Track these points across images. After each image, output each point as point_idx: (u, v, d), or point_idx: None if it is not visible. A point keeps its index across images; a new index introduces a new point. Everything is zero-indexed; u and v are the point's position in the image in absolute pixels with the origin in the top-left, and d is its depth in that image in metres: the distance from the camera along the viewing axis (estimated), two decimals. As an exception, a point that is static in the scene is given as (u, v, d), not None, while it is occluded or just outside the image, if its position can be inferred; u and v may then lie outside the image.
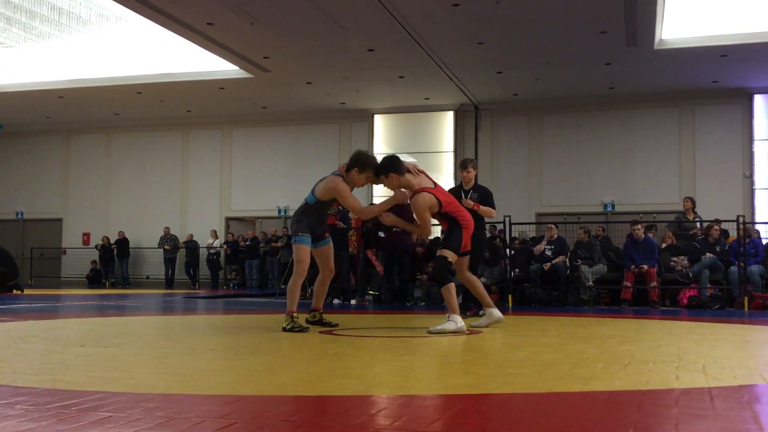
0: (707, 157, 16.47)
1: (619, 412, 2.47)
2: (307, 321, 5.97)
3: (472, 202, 7.06)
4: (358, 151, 5.81)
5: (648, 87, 16.07)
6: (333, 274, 6.10)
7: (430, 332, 5.39)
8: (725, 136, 16.40)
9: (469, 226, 5.75)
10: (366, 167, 5.66)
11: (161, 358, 3.97)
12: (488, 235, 10.76)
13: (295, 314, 5.54)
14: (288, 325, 5.49)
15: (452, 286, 5.61)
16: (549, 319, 7.59)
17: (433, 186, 5.77)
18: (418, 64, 14.42)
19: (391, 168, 5.62)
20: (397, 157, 5.78)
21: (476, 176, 7.55)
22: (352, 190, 5.82)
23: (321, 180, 5.82)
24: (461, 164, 7.44)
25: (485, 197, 7.30)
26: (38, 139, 21.53)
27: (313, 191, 5.75)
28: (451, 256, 5.63)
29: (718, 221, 11.33)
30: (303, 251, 5.62)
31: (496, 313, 6.05)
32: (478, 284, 6.11)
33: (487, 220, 7.88)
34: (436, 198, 5.62)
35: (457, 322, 5.46)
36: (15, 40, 15.77)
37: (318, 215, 5.79)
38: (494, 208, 7.35)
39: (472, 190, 7.32)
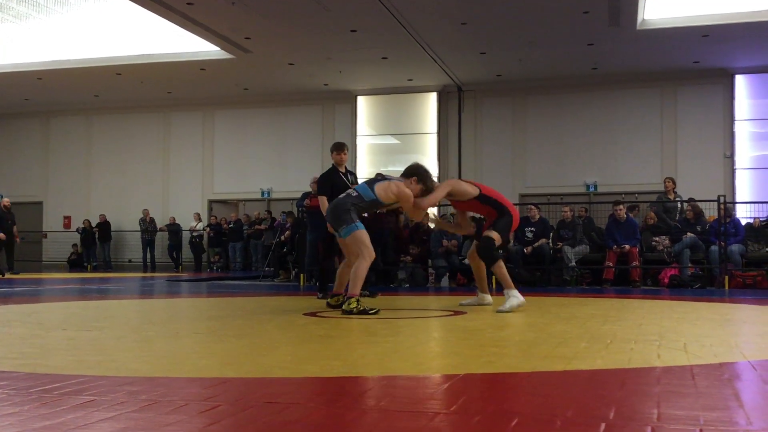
0: (689, 138, 16.58)
1: (601, 391, 2.49)
2: (328, 304, 6.05)
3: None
4: (419, 163, 6.03)
5: (630, 67, 16.11)
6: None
7: (500, 311, 5.59)
8: (706, 116, 16.50)
9: (516, 219, 6.12)
10: (425, 182, 5.87)
11: (144, 342, 3.95)
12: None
13: (359, 297, 5.59)
14: (354, 307, 5.47)
15: (502, 263, 5.89)
16: (532, 299, 7.63)
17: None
18: (401, 45, 14.35)
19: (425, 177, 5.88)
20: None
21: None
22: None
23: (380, 179, 5.90)
24: (338, 146, 7.47)
25: (356, 180, 7.50)
26: (17, 121, 21.25)
27: (372, 189, 5.78)
28: (497, 238, 5.89)
29: (693, 200, 11.46)
30: (364, 235, 5.66)
31: (488, 298, 6.34)
32: (483, 270, 6.31)
33: None
34: (474, 185, 5.99)
35: (518, 296, 5.72)
36: (-9, 21, 15.50)
37: (366, 211, 5.95)
38: None
39: (348, 173, 7.45)
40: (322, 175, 7.47)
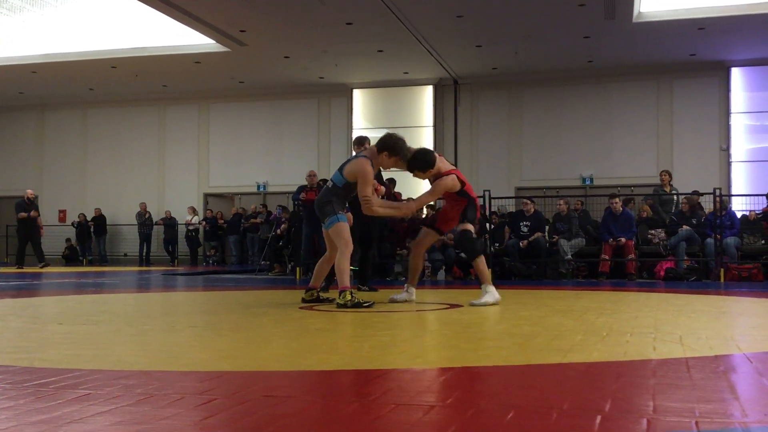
0: (685, 130, 16.59)
1: (597, 383, 2.50)
2: (303, 300, 5.92)
3: (376, 184, 7.09)
4: (389, 134, 5.73)
5: (626, 60, 16.11)
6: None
7: (473, 304, 5.54)
8: (702, 109, 16.51)
9: (479, 206, 6.06)
10: (397, 153, 5.64)
11: (140, 336, 3.94)
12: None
13: (351, 290, 5.48)
14: (348, 300, 5.38)
15: (482, 257, 5.84)
16: (528, 292, 7.66)
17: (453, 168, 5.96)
18: (397, 38, 14.32)
19: (426, 165, 5.72)
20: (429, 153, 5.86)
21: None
22: (376, 172, 5.98)
23: (348, 161, 5.74)
24: (357, 140, 7.43)
25: (379, 175, 7.38)
26: (11, 115, 21.17)
27: (341, 171, 5.64)
28: (472, 229, 5.89)
29: (698, 193, 11.48)
30: (343, 227, 5.56)
31: (414, 293, 6.15)
32: (421, 263, 6.24)
33: None
34: (459, 180, 5.80)
35: (494, 293, 5.67)
36: (-15, 14, 15.42)
37: (346, 197, 5.72)
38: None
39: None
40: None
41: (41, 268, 14.54)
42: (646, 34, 14.16)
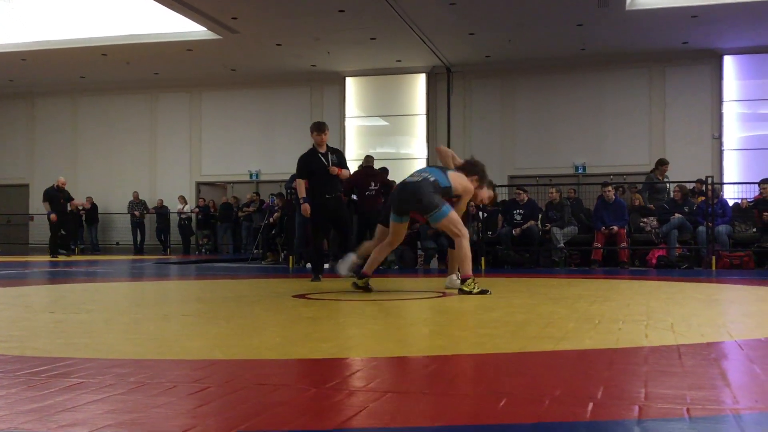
0: (677, 119, 16.62)
1: (590, 370, 2.50)
2: (355, 285, 5.87)
3: (336, 169, 7.13)
4: (477, 161, 6.02)
5: (619, 48, 16.10)
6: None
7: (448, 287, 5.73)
8: (695, 97, 16.54)
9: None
10: (482, 182, 5.95)
11: (133, 324, 3.94)
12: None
13: (473, 277, 5.56)
14: (473, 288, 5.46)
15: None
16: (521, 280, 7.67)
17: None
18: (390, 26, 14.26)
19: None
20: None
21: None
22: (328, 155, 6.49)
23: (445, 168, 5.83)
24: (318, 126, 7.24)
25: (342, 159, 7.37)
26: (1, 103, 21.03)
27: (448, 177, 5.66)
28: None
29: (700, 182, 11.53)
30: (456, 215, 5.62)
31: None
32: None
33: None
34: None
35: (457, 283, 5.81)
36: (-26, 1, 15.27)
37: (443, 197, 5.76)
38: (348, 169, 7.51)
39: (329, 153, 7.23)
40: (300, 158, 7.29)
41: (55, 257, 14.32)
42: (639, 21, 14.15)
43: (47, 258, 15.04)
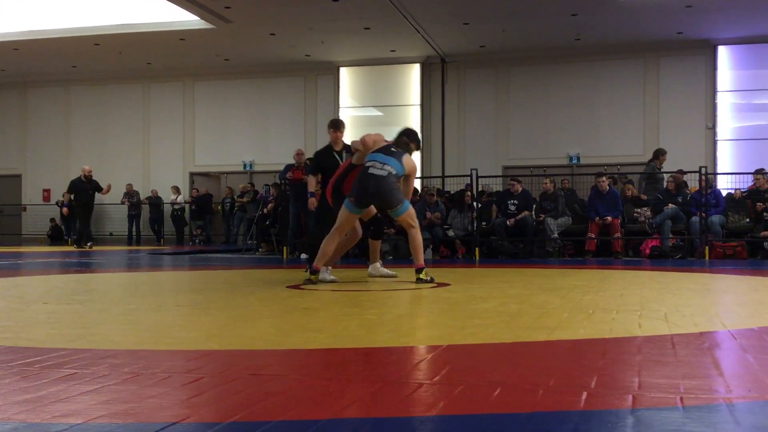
0: (671, 109, 16.62)
1: (583, 360, 2.51)
2: (308, 280, 5.81)
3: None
4: (410, 130, 6.23)
5: (613, 38, 16.08)
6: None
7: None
8: (689, 87, 16.54)
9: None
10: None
11: (126, 315, 3.93)
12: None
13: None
14: (430, 277, 5.74)
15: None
16: (515, 270, 7.69)
17: None
18: (384, 15, 14.20)
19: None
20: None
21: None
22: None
23: (398, 152, 5.88)
24: (334, 124, 7.23)
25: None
26: (-7, 93, 20.90)
27: (402, 163, 5.79)
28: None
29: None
30: (413, 210, 5.98)
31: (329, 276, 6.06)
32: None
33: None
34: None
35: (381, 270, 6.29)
36: (-36, -11, 15.14)
37: None
38: None
39: (344, 151, 7.15)
40: (315, 153, 7.32)
41: (89, 247, 13.96)
42: (634, 11, 14.13)
43: (49, 248, 14.96)
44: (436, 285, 5.58)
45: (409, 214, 5.85)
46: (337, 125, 7.18)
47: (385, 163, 5.71)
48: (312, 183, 7.35)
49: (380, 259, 6.67)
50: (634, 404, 1.84)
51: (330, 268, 6.13)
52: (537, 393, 1.96)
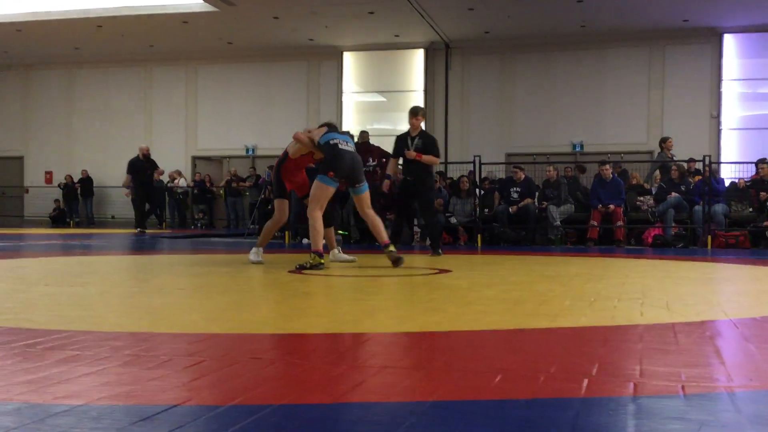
0: (676, 97, 16.55)
1: (585, 347, 2.51)
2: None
3: (414, 153, 7.46)
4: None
5: (619, 25, 15.98)
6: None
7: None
8: (694, 76, 16.46)
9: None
10: None
11: (128, 298, 3.93)
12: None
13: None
14: (394, 249, 5.99)
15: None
16: (517, 258, 7.69)
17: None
18: (388, 0, 14.12)
19: None
20: None
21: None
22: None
23: (349, 134, 6.32)
24: (412, 111, 7.70)
25: (428, 145, 7.60)
26: (-4, 74, 20.85)
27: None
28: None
29: (693, 161, 11.52)
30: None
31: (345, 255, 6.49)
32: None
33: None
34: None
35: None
36: (-33, -30, 15.07)
37: None
38: (437, 155, 7.74)
39: (417, 137, 7.57)
40: (396, 138, 7.83)
41: (139, 233, 13.24)
42: (639, -1, 14.04)
43: (50, 230, 14.75)
44: (437, 271, 5.58)
45: (367, 194, 6.09)
46: (412, 112, 7.67)
47: (347, 142, 5.99)
48: (392, 166, 7.89)
49: (337, 245, 6.80)
50: (635, 392, 1.84)
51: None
52: (538, 380, 1.96)
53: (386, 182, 7.87)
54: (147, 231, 13.67)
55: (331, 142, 5.88)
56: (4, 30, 17.12)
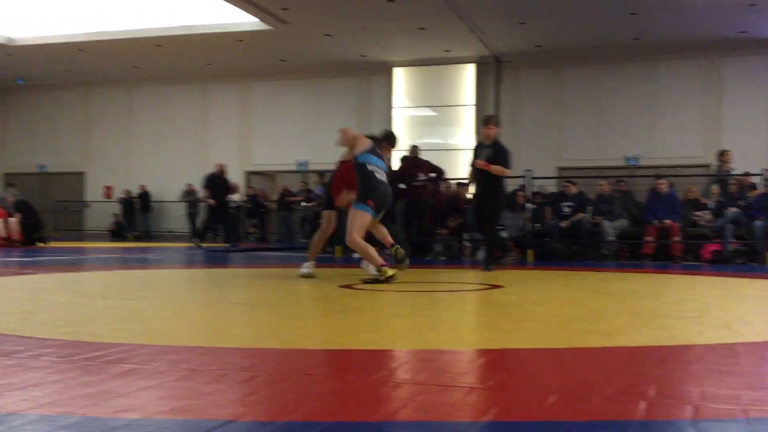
0: (733, 110, 16.14)
1: (641, 368, 2.46)
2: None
3: (483, 163, 7.41)
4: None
5: (674, 37, 15.69)
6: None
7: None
8: (752, 87, 16.03)
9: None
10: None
11: (184, 311, 4.01)
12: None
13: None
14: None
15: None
16: (569, 273, 7.58)
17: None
18: (439, 15, 14.17)
19: None
20: None
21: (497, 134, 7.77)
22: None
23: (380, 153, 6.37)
24: (483, 120, 7.76)
25: (498, 155, 7.49)
26: (58, 92, 21.58)
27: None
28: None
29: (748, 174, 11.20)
30: None
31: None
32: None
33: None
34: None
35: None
36: (33, -7, 15.69)
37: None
38: (508, 166, 7.59)
39: (488, 148, 7.53)
40: (474, 147, 7.91)
41: (197, 245, 13.31)
42: (695, 10, 13.76)
43: (145, 244, 15.01)
44: (489, 287, 5.54)
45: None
46: (484, 121, 7.76)
47: (382, 169, 6.07)
48: (470, 176, 7.89)
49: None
50: (695, 415, 1.80)
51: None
52: (593, 401, 1.92)
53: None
54: (202, 245, 13.82)
55: (368, 167, 5.92)
56: (66, 49, 17.73)
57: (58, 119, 21.69)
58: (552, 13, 14.19)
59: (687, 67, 16.50)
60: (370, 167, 5.92)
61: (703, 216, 10.79)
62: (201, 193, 14.84)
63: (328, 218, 6.54)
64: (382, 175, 5.99)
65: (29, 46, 17.51)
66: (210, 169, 14.96)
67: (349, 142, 6.17)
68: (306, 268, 6.39)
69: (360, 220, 5.88)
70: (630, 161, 16.71)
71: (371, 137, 6.28)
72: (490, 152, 7.42)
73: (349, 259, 10.41)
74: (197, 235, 14.14)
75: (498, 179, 7.55)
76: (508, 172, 7.61)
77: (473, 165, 7.61)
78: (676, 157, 16.19)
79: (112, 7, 16.04)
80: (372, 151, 6.02)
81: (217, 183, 13.83)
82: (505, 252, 7.75)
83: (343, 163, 6.44)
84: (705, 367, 2.42)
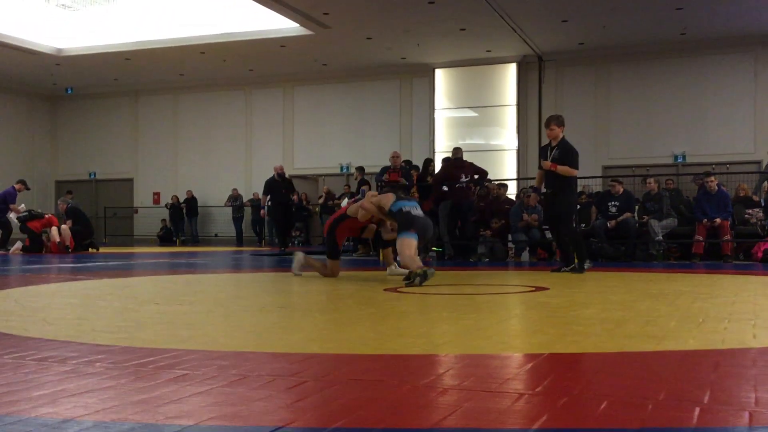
0: (785, 105, 15.72)
1: (694, 372, 2.41)
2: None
3: (549, 164, 7.38)
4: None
5: (721, 32, 15.35)
6: None
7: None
8: (805, 81, 15.60)
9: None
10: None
11: (232, 316, 4.06)
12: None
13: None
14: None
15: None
16: (617, 274, 7.46)
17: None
18: (480, 15, 14.11)
19: None
20: None
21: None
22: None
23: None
24: (546, 120, 7.76)
25: (565, 155, 7.42)
26: (107, 101, 22.10)
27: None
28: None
29: None
30: None
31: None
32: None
33: None
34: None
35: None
36: (81, 3, 16.10)
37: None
38: (574, 166, 7.48)
39: (556, 148, 7.48)
40: (539, 149, 7.99)
41: (282, 251, 13.08)
42: (743, 3, 13.45)
43: (193, 248, 15.24)
44: (534, 289, 5.49)
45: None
46: (546, 122, 7.70)
47: (416, 207, 6.44)
48: (537, 178, 7.93)
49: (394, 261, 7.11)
50: (751, 422, 1.75)
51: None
52: (646, 407, 1.89)
53: (533, 195, 8.07)
54: (284, 249, 13.44)
55: (404, 209, 6.30)
56: (115, 59, 18.15)
57: (107, 127, 22.20)
58: (595, 11, 14.01)
59: (735, 61, 16.12)
60: (405, 209, 6.31)
61: (755, 214, 10.53)
62: (260, 199, 14.76)
63: (332, 268, 6.94)
64: (417, 211, 6.36)
65: (77, 56, 17.97)
66: (262, 172, 15.07)
67: (375, 209, 6.52)
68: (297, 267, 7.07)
69: (407, 243, 6.15)
70: (677, 159, 16.39)
71: (392, 186, 6.86)
72: (557, 152, 7.37)
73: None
74: (282, 242, 14.00)
75: (567, 179, 7.46)
76: (575, 171, 7.51)
77: (541, 167, 7.59)
78: (725, 153, 15.82)
79: (157, 16, 16.37)
80: (399, 199, 6.46)
81: (277, 186, 13.61)
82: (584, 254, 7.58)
83: (351, 219, 6.85)
84: (760, 371, 2.36)
